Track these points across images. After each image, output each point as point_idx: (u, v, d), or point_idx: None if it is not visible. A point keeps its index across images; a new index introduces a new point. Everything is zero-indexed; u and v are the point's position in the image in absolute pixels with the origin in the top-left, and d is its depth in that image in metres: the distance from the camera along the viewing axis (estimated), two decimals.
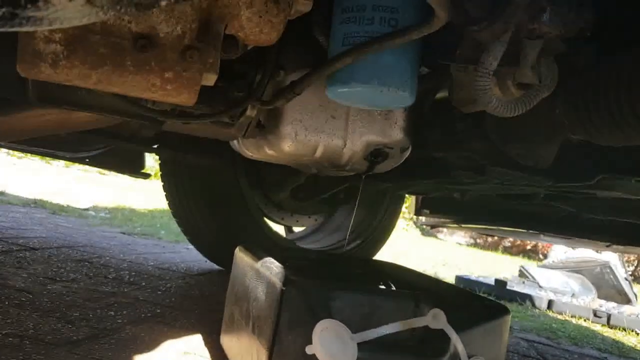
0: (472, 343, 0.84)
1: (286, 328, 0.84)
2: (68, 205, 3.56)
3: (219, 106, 0.92)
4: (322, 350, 0.75)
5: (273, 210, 2.08)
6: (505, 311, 0.96)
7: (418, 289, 1.01)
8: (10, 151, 7.49)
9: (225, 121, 0.99)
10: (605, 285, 4.20)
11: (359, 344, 0.77)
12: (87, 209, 3.60)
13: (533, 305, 3.22)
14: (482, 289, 3.26)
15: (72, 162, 2.14)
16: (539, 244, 10.13)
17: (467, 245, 10.36)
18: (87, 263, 1.85)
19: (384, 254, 2.47)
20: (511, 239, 10.60)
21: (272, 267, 0.95)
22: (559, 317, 3.08)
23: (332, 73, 0.86)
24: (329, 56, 0.86)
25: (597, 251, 4.40)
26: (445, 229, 10.89)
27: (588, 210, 1.40)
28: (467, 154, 0.97)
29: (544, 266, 4.72)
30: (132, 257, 2.16)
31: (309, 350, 0.75)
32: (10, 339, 1.03)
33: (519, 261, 7.91)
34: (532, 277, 3.94)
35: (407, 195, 2.83)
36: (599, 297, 3.93)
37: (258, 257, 1.05)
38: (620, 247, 1.97)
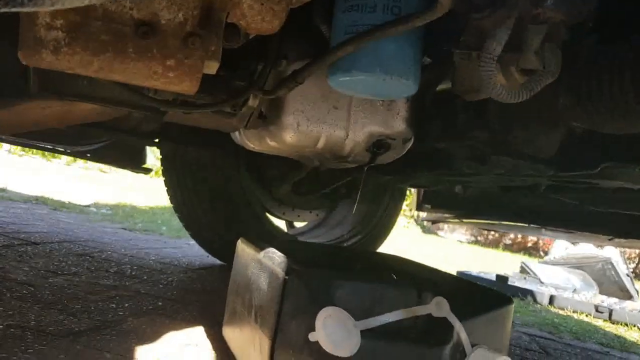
0: (476, 332, 0.84)
1: (289, 317, 0.84)
2: (69, 202, 3.55)
3: (221, 96, 0.92)
4: (325, 337, 0.75)
5: (274, 205, 2.08)
6: (509, 301, 0.96)
7: (421, 279, 1.01)
8: (11, 150, 7.50)
9: (227, 111, 0.99)
10: (606, 282, 4.19)
11: (361, 332, 0.77)
12: (88, 206, 3.60)
13: (534, 300, 3.22)
14: (483, 284, 3.26)
15: (73, 156, 2.14)
16: (540, 242, 10.14)
17: (468, 242, 10.36)
18: (88, 257, 1.85)
19: (384, 251, 2.47)
20: (512, 236, 10.60)
21: (274, 257, 0.95)
22: (561, 312, 3.08)
23: (334, 62, 0.85)
24: (331, 45, 0.86)
25: (598, 247, 4.40)
26: (445, 227, 10.89)
27: (590, 202, 1.39)
28: (469, 143, 0.97)
29: (545, 262, 4.71)
30: (134, 251, 2.16)
31: (312, 337, 0.75)
32: (12, 329, 1.03)
33: (519, 258, 7.90)
34: (534, 273, 3.94)
35: (407, 193, 2.83)
36: (601, 293, 3.92)
37: (260, 248, 1.05)
38: (623, 241, 1.97)
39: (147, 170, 2.05)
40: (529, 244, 10.34)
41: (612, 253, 4.39)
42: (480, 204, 1.99)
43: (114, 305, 1.33)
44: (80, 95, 0.97)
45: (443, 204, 2.23)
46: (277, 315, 0.84)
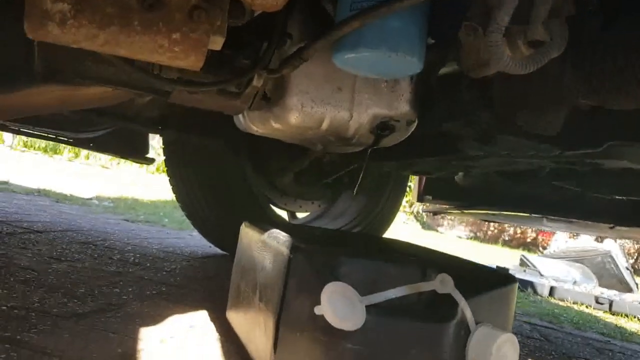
0: (480, 310, 0.84)
1: (294, 294, 0.84)
2: (71, 195, 3.56)
3: (226, 74, 0.92)
4: (331, 312, 0.75)
5: (277, 195, 2.08)
6: (512, 280, 0.96)
7: (425, 257, 1.01)
8: (12, 146, 7.50)
9: (231, 91, 0.99)
10: (606, 275, 4.20)
11: (366, 308, 0.77)
12: (90, 199, 3.60)
13: (535, 292, 3.23)
14: None
15: (76, 146, 2.14)
16: (539, 237, 10.14)
17: (467, 238, 10.37)
18: (91, 245, 1.85)
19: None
20: (511, 232, 10.61)
21: (279, 236, 0.95)
22: (561, 303, 3.09)
23: (339, 39, 0.85)
24: (336, 22, 0.86)
25: (598, 240, 4.41)
26: (445, 223, 10.89)
27: (594, 188, 1.39)
28: (474, 121, 0.96)
29: (545, 256, 4.72)
30: (137, 241, 2.16)
31: (317, 310, 0.75)
32: (15, 310, 1.03)
33: (519, 253, 7.91)
34: (533, 266, 3.95)
35: (407, 190, 2.83)
36: (600, 286, 3.93)
37: (264, 229, 1.05)
38: (623, 230, 1.97)
39: (150, 160, 2.05)
40: (528, 240, 10.35)
41: (612, 246, 4.40)
42: (481, 195, 1.99)
43: (117, 290, 1.33)
44: (84, 76, 0.97)
45: (444, 194, 2.23)
46: (282, 293, 0.85)
